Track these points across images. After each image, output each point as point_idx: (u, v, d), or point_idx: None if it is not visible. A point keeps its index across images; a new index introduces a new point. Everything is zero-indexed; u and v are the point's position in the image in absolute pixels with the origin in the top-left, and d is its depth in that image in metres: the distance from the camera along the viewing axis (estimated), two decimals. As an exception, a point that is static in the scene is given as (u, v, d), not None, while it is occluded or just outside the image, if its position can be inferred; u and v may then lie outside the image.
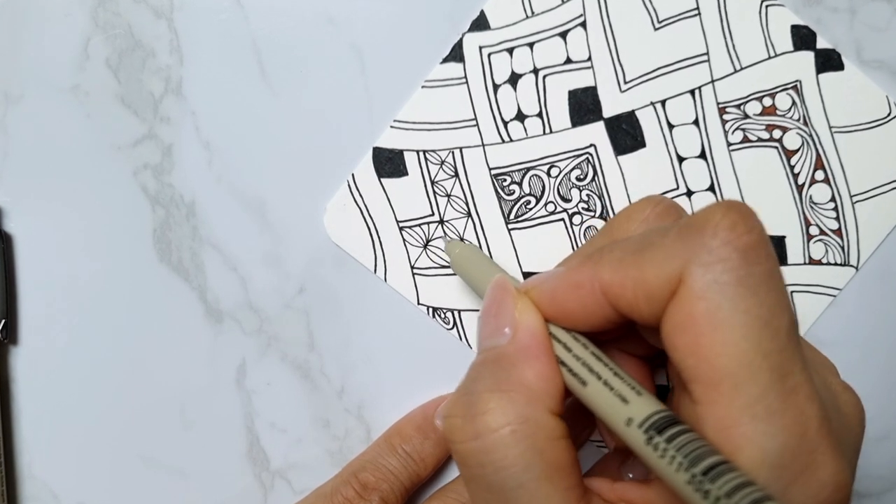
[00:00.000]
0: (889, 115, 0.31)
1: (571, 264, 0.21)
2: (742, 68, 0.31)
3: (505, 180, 0.31)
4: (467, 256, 0.28)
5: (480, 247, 0.31)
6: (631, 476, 0.23)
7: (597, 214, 0.31)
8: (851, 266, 0.31)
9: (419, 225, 0.31)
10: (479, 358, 0.21)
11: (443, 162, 0.31)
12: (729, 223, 0.18)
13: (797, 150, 0.31)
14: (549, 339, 0.21)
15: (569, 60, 0.31)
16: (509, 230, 0.31)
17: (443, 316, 0.31)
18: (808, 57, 0.31)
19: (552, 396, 0.20)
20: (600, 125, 0.31)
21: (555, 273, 0.21)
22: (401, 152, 0.31)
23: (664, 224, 0.21)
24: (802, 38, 0.31)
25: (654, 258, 0.19)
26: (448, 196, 0.31)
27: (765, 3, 0.31)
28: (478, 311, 0.26)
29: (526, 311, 0.21)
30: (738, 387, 0.17)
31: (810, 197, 0.31)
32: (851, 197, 0.31)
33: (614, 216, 0.24)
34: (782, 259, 0.31)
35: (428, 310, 0.31)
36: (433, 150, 0.31)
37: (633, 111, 0.31)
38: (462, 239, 0.31)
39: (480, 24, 0.31)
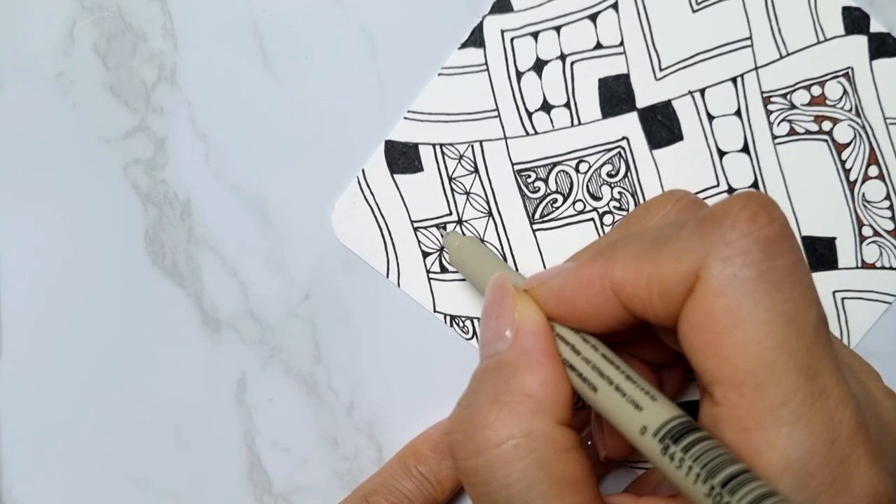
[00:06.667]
0: (950, 104, 0.30)
1: (582, 260, 0.20)
2: (788, 54, 0.30)
3: (529, 176, 0.30)
4: (468, 249, 0.27)
5: (502, 249, 0.30)
6: (664, 487, 0.22)
7: (629, 214, 0.30)
8: (908, 270, 0.30)
9: (435, 225, 0.30)
10: (480, 366, 0.21)
11: (461, 156, 0.30)
12: (749, 214, 0.18)
13: (849, 144, 0.30)
14: (554, 340, 0.21)
15: (599, 45, 0.30)
16: (534, 231, 0.30)
17: (461, 325, 0.30)
18: (860, 41, 0.30)
19: (558, 405, 0.20)
20: (633, 116, 0.30)
21: (563, 269, 0.21)
22: (415, 146, 0.30)
23: (682, 217, 0.20)
24: (854, 20, 0.30)
25: (669, 253, 0.18)
26: (467, 194, 0.30)
27: (814, -17, 0.30)
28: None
29: (527, 311, 0.21)
30: (761, 388, 0.17)
31: (863, 195, 0.30)
32: (908, 194, 0.30)
33: (632, 211, 0.23)
34: (832, 262, 0.30)
35: (445, 318, 0.30)
36: (451, 144, 0.30)
37: (669, 101, 0.30)
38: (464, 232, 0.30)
39: (502, 5, 0.30)
